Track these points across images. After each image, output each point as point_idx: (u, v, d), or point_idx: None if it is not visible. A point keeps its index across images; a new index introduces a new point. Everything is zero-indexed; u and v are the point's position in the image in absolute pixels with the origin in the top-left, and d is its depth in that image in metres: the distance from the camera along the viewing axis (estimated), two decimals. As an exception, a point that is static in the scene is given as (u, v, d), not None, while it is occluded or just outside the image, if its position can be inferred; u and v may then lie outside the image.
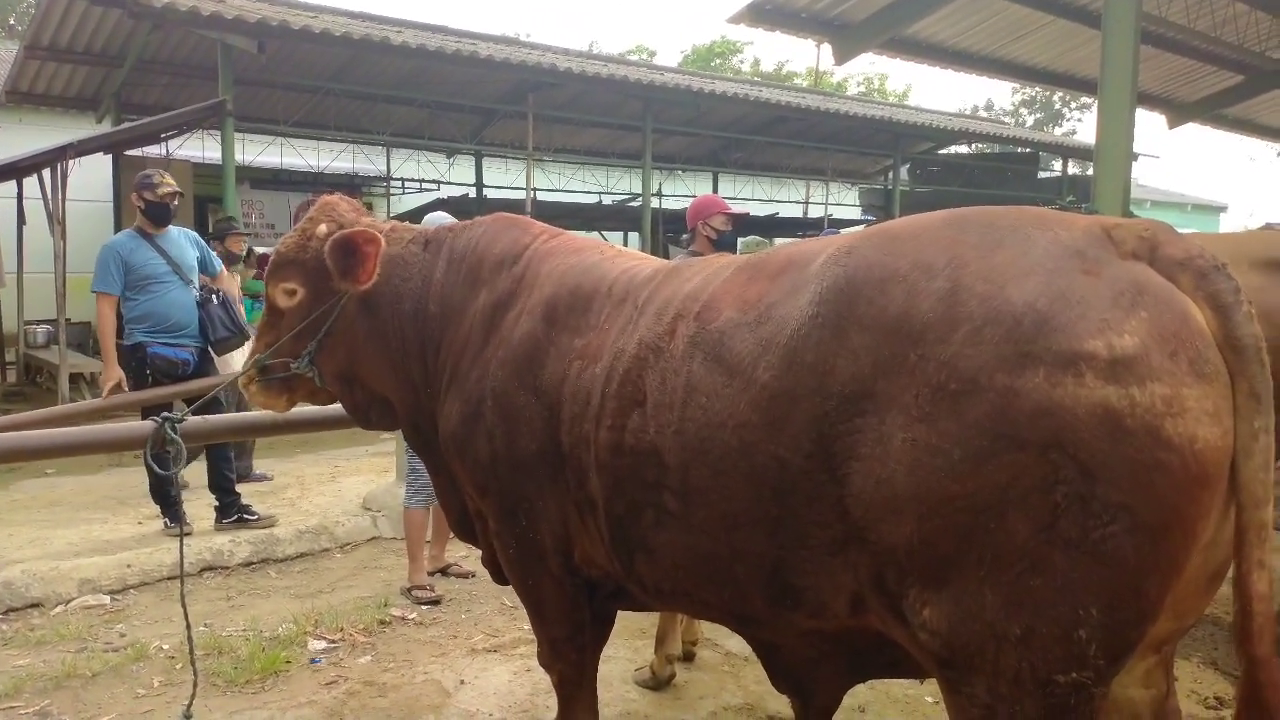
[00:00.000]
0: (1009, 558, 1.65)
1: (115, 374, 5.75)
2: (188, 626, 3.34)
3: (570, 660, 2.82)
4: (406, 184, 18.10)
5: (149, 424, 3.08)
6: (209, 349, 6.05)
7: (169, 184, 5.88)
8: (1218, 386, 1.64)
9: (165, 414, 3.15)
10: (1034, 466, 1.61)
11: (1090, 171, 9.35)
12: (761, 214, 19.35)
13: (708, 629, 4.24)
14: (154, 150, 12.09)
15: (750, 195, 20.19)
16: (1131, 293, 1.65)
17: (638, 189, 16.59)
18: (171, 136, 11.76)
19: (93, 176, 12.37)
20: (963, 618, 1.72)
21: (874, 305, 1.82)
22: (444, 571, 5.29)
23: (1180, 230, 1.91)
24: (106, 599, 4.90)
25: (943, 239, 1.84)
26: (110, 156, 11.94)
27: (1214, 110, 15.34)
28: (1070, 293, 1.65)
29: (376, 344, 2.99)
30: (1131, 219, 1.85)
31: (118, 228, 11.30)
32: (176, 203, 5.96)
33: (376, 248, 2.85)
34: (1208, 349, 1.64)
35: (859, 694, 3.73)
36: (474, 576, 5.20)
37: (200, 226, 13.09)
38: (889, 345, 1.77)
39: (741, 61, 35.87)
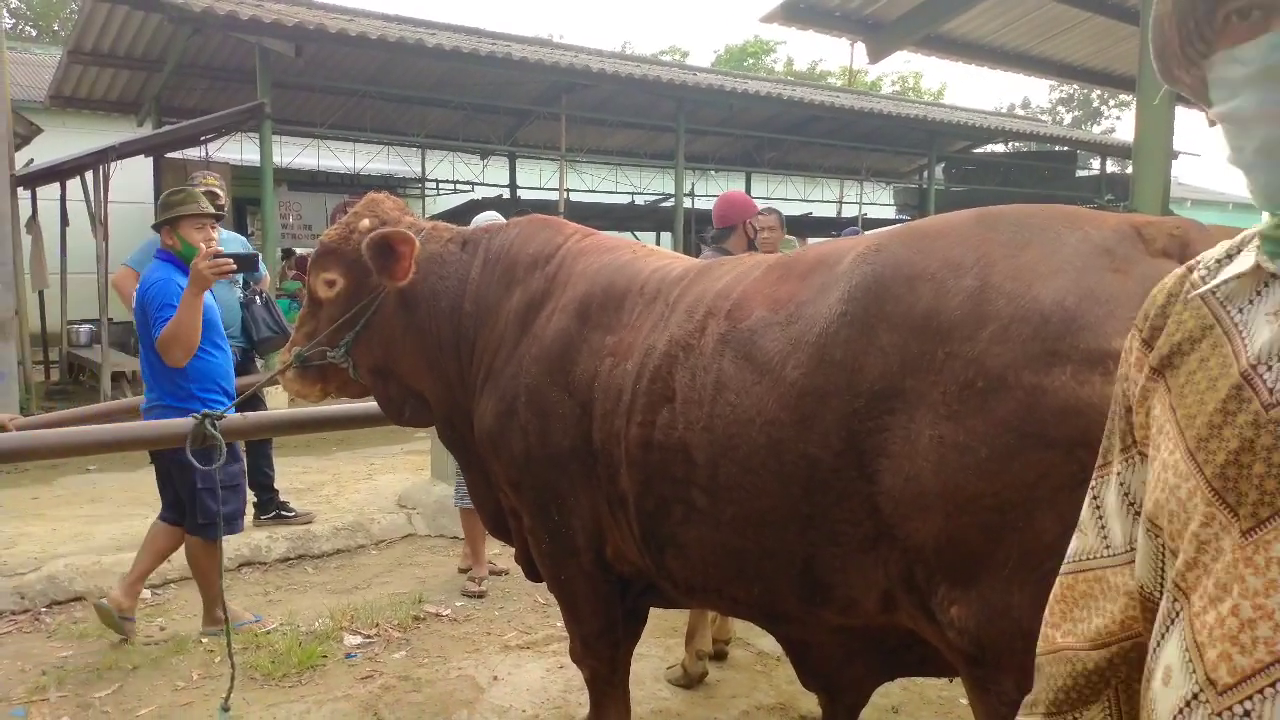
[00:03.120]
0: (1037, 556, 1.64)
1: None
2: (226, 620, 3.42)
3: (603, 656, 2.84)
4: (441, 185, 18.25)
5: (190, 421, 3.13)
6: (252, 350, 6.14)
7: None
8: None
9: (206, 411, 3.21)
10: (1061, 465, 1.61)
11: (1129, 170, 9.23)
12: (796, 214, 19.27)
13: (740, 628, 4.25)
14: (193, 153, 12.27)
15: (784, 195, 20.11)
16: None
17: (670, 189, 16.60)
18: (211, 139, 11.93)
19: (134, 178, 12.57)
20: (991, 616, 1.72)
21: (902, 303, 1.82)
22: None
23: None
24: (147, 593, 4.98)
25: (971, 237, 1.84)
26: (151, 159, 12.13)
27: (1256, 107, 15.07)
28: (1098, 291, 1.65)
29: (413, 340, 3.03)
30: (1162, 217, 1.83)
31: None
32: (220, 203, 6.03)
33: (411, 248, 2.89)
34: None
35: (893, 694, 3.72)
36: (507, 574, 5.23)
37: (239, 228, 13.30)
38: (917, 343, 1.77)
39: (775, 61, 35.77)
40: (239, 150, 13.71)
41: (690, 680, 3.89)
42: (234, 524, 4.48)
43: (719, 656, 4.09)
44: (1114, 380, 1.57)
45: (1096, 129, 35.16)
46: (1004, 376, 1.66)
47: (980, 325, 1.71)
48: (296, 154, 15.00)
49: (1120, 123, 36.75)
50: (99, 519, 6.32)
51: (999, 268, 1.75)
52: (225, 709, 3.46)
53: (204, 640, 4.34)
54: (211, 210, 4.52)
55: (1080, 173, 21.29)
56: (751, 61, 34.19)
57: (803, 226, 18.62)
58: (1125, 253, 1.71)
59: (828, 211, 20.99)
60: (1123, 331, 1.60)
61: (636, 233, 16.79)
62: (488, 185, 17.94)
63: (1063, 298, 1.66)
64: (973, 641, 1.76)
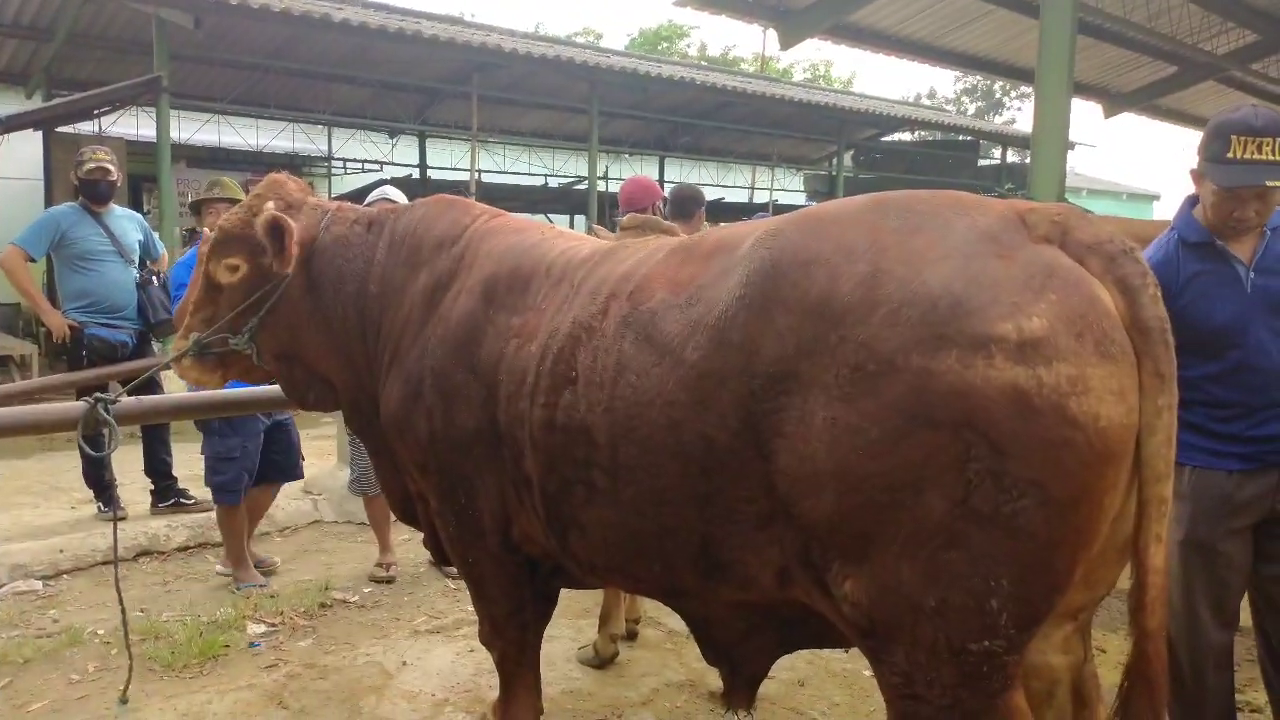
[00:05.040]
0: (925, 533, 1.71)
1: (60, 319, 5.70)
2: (122, 611, 3.29)
3: (511, 638, 2.85)
4: (349, 164, 17.87)
5: (81, 405, 3.02)
6: (148, 332, 5.95)
7: (96, 159, 5.74)
8: (1123, 366, 1.71)
9: (98, 395, 3.10)
10: (948, 445, 1.67)
11: (1029, 159, 9.56)
12: (708, 198, 19.39)
13: (650, 607, 4.30)
14: (86, 127, 11.80)
15: (697, 179, 20.19)
16: (1042, 276, 1.71)
17: (584, 172, 16.55)
18: (105, 113, 11.47)
19: (23, 153, 12.03)
20: (882, 590, 1.79)
21: (798, 287, 1.86)
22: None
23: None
24: (39, 584, 4.82)
25: (864, 223, 1.90)
26: (41, 133, 11.62)
27: (1149, 100, 15.72)
28: (983, 276, 1.71)
29: (319, 324, 2.98)
30: (1046, 204, 1.92)
31: (48, 205, 11.01)
32: (113, 179, 5.82)
33: (291, 235, 2.86)
34: (1114, 330, 1.72)
35: (798, 668, 3.82)
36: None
37: (135, 205, 12.82)
38: (811, 326, 1.82)
39: (688, 45, 35.82)
40: (135, 125, 13.19)
41: (601, 660, 3.92)
42: (225, 494, 4.84)
43: (630, 635, 4.14)
44: (997, 365, 1.64)
45: (999, 119, 36.19)
46: (893, 360, 1.71)
47: (872, 309, 1.76)
48: (196, 130, 14.50)
49: (1021, 114, 37.92)
50: (-15, 508, 6.06)
51: (890, 253, 1.80)
52: (123, 701, 3.37)
53: (100, 632, 4.21)
54: (232, 197, 4.91)
55: (982, 162, 21.95)
56: (665, 45, 34.20)
57: (714, 211, 18.75)
58: (1010, 239, 1.78)
59: (740, 197, 21.21)
60: (1005, 316, 1.68)
61: (549, 215, 16.73)
62: (397, 165, 17.62)
63: (950, 283, 1.72)
64: (865, 615, 1.83)
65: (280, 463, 5.07)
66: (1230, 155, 2.57)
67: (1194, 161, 2.75)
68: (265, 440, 4.93)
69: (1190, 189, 2.84)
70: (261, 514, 5.30)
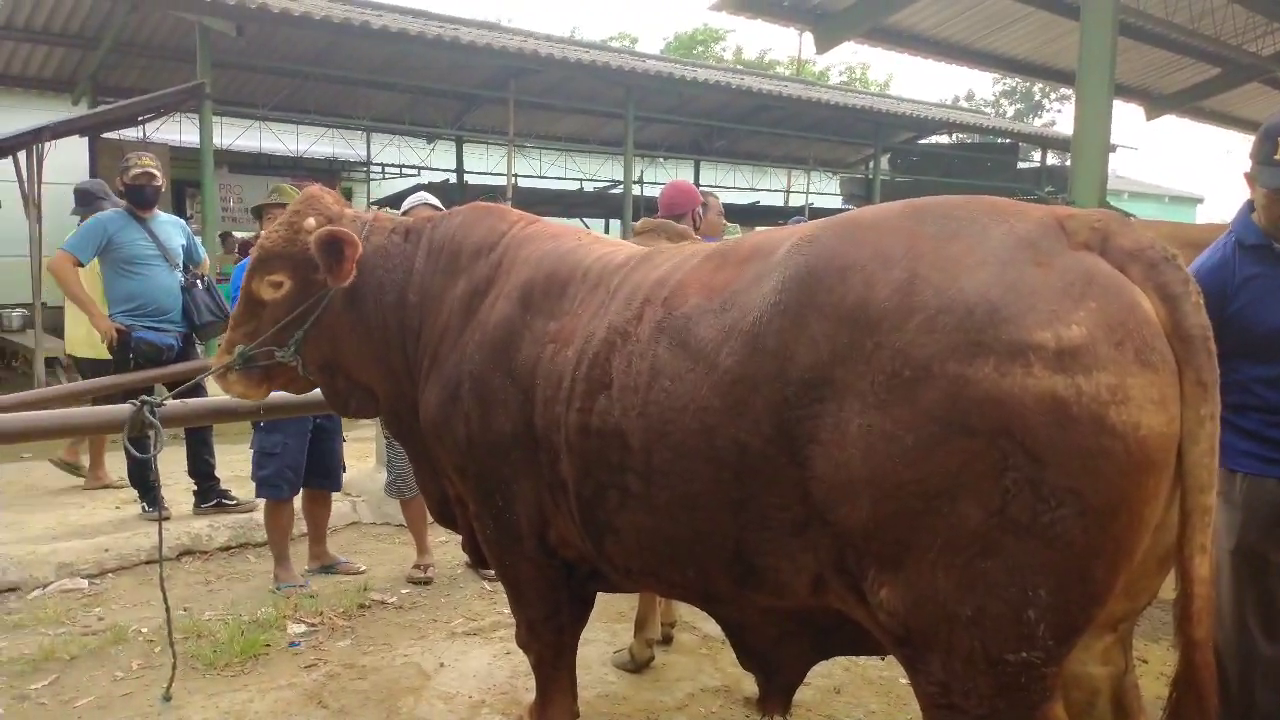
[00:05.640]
0: (961, 541, 1.70)
1: (108, 322, 5.80)
2: (166, 610, 3.37)
3: (548, 641, 2.87)
4: (387, 169, 18.05)
5: (128, 407, 3.08)
6: (193, 334, 6.05)
7: (141, 165, 5.85)
8: (1164, 375, 1.69)
9: (144, 397, 3.16)
10: (984, 453, 1.66)
11: (1069, 162, 9.44)
12: (743, 202, 19.40)
13: (685, 611, 4.30)
14: (131, 133, 12.00)
15: (732, 183, 20.24)
16: (1081, 284, 1.69)
17: (619, 176, 16.60)
18: (149, 119, 11.67)
19: (69, 159, 12.25)
20: (917, 598, 1.78)
21: (833, 294, 1.86)
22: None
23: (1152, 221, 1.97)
24: (84, 583, 4.91)
25: (901, 229, 1.89)
26: (87, 139, 11.84)
27: (1191, 102, 15.51)
28: (1021, 284, 1.70)
29: (361, 334, 3.02)
30: (1086, 210, 1.90)
31: (95, 211, 11.22)
32: (157, 185, 5.93)
33: (355, 250, 2.88)
34: (1155, 338, 1.69)
35: (834, 675, 3.80)
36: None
37: (179, 211, 13.04)
38: (847, 333, 1.81)
39: (724, 49, 35.79)
40: (178, 131, 13.43)
41: (637, 665, 3.93)
42: (266, 488, 4.98)
43: (665, 640, 4.14)
44: (1035, 373, 1.63)
45: (1038, 122, 35.77)
46: (929, 366, 1.70)
47: (908, 316, 1.75)
48: (238, 135, 14.73)
49: (1061, 116, 37.37)
50: (34, 507, 6.19)
51: (926, 260, 1.79)
52: (166, 699, 3.43)
53: (144, 630, 4.29)
54: (281, 201, 4.95)
55: (1021, 164, 21.70)
56: (701, 49, 34.21)
57: (750, 215, 18.76)
58: (1048, 246, 1.76)
59: (775, 200, 21.17)
60: (1044, 323, 1.66)
61: (585, 219, 16.80)
62: (434, 170, 17.79)
63: (987, 290, 1.70)
64: (901, 623, 1.82)
65: (319, 468, 5.14)
66: (1279, 157, 2.54)
67: (1246, 165, 2.72)
68: (311, 442, 5.01)
69: (1244, 193, 2.82)
70: (323, 515, 5.35)
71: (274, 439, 4.90)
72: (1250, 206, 2.79)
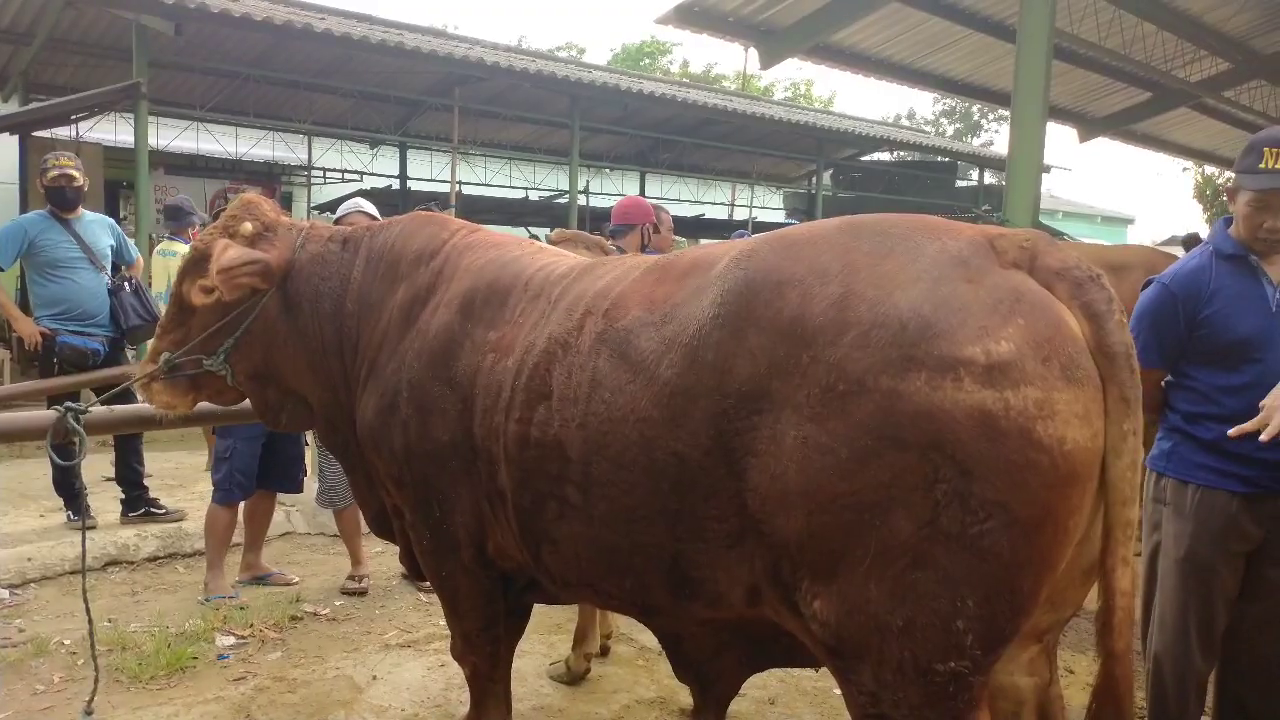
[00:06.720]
0: (892, 553, 1.73)
1: (31, 326, 5.64)
2: (89, 621, 3.24)
3: (484, 653, 2.85)
4: (328, 174, 17.78)
5: (51, 413, 2.99)
6: (120, 339, 5.90)
7: (59, 166, 5.68)
8: (1089, 390, 1.74)
9: (68, 403, 3.07)
10: (915, 466, 1.69)
11: (1005, 181, 9.68)
12: (688, 215, 19.50)
13: (622, 623, 4.30)
14: (63, 132, 11.69)
15: (677, 196, 20.34)
16: (1010, 301, 1.74)
17: (565, 185, 16.58)
18: (83, 118, 11.38)
19: (-1, 157, 11.94)
20: (849, 609, 1.80)
21: (771, 308, 1.89)
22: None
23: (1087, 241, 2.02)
24: (5, 593, 4.75)
25: (838, 245, 1.92)
26: (17, 137, 11.51)
27: (1123, 125, 15.99)
28: (952, 300, 1.74)
29: (296, 343, 2.98)
30: (1015, 230, 1.95)
31: (23, 210, 10.91)
32: (78, 185, 5.76)
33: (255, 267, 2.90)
34: (1080, 355, 1.74)
35: (769, 686, 3.83)
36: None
37: (111, 211, 12.73)
38: (784, 346, 1.84)
39: (670, 62, 36.01)
40: (113, 131, 13.11)
41: (573, 677, 3.91)
42: (216, 492, 4.89)
43: (602, 652, 4.13)
44: (965, 388, 1.67)
45: (976, 141, 36.50)
46: (863, 380, 1.73)
47: (842, 331, 1.78)
48: (174, 136, 14.42)
49: (999, 136, 38.15)
50: (-46, 516, 5.97)
51: (861, 275, 1.83)
52: (88, 713, 3.32)
53: (66, 642, 4.16)
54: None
55: (960, 183, 22.15)
56: (648, 62, 34.37)
57: (695, 228, 18.88)
58: (979, 263, 1.80)
59: (720, 214, 21.33)
60: (973, 339, 1.70)
61: (530, 228, 16.73)
62: (377, 175, 17.59)
63: (919, 305, 1.74)
64: (833, 634, 1.84)
65: (278, 471, 5.03)
66: (1263, 166, 2.70)
67: (1188, 185, 2.88)
68: (270, 446, 4.91)
69: (1173, 214, 2.96)
70: (263, 522, 5.20)
71: (225, 443, 4.84)
72: (1226, 222, 2.93)
